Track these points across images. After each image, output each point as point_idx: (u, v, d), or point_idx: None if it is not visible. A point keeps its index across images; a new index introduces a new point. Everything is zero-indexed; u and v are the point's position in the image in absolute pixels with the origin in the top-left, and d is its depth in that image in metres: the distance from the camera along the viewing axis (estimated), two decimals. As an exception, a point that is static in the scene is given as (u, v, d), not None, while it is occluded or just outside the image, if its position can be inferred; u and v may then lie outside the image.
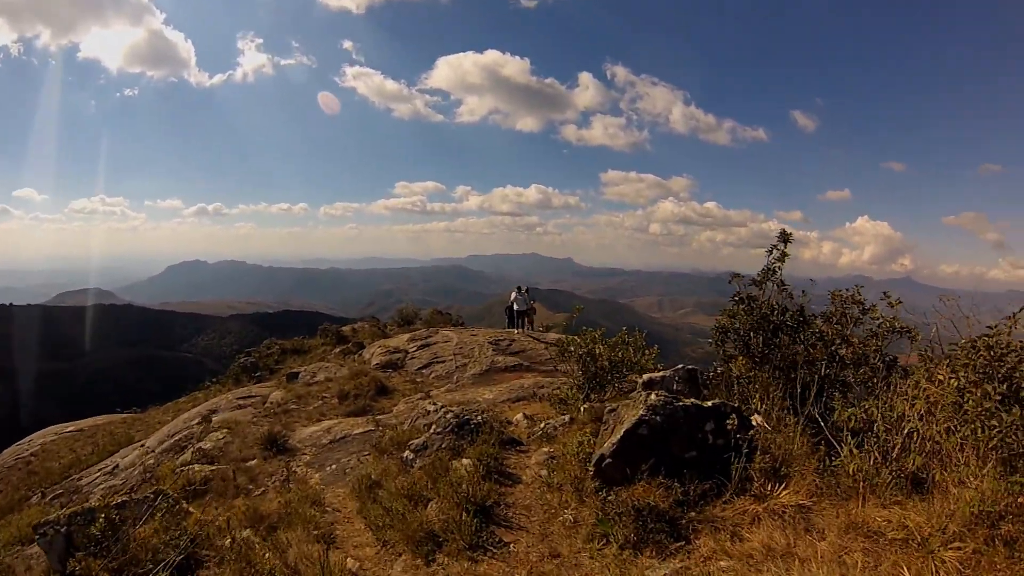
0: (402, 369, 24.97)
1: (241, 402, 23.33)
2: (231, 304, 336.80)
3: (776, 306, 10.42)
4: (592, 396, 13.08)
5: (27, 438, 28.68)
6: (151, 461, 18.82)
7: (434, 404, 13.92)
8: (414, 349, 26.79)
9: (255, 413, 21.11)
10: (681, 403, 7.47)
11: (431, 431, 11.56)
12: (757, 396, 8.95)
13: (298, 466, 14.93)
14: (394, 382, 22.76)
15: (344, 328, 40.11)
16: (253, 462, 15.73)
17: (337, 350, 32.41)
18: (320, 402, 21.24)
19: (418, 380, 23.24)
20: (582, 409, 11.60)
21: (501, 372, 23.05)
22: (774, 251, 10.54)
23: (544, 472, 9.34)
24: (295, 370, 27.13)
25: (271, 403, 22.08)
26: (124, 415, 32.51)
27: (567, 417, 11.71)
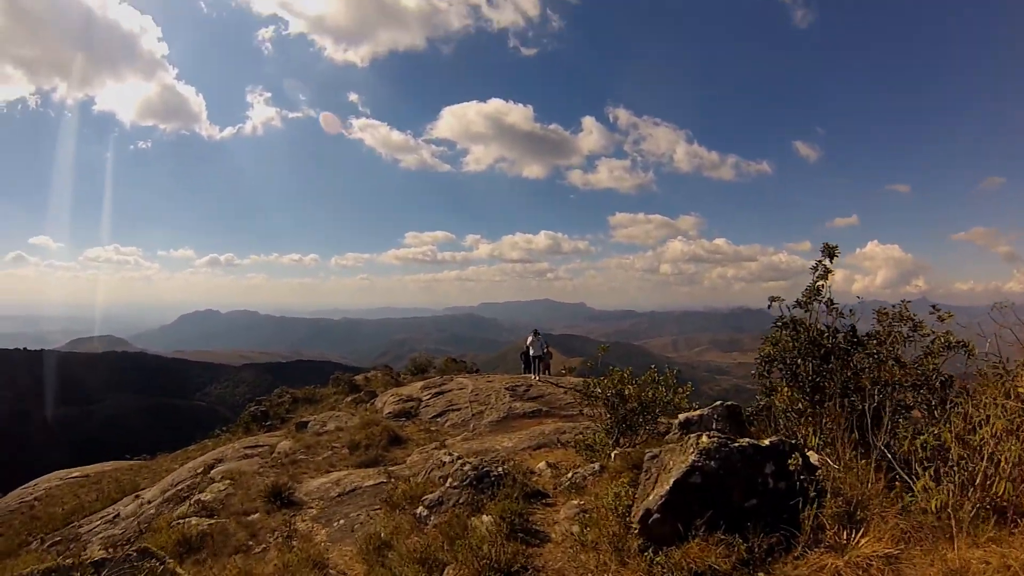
0: (416, 418, 24.03)
1: (248, 451, 22.57)
2: (244, 354, 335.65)
3: (826, 328, 9.40)
4: (622, 440, 12.05)
5: (32, 482, 28.30)
6: (151, 511, 18.04)
7: (450, 455, 12.84)
8: (428, 397, 25.84)
9: (262, 463, 20.29)
10: (736, 444, 6.42)
11: (447, 484, 10.44)
12: (809, 430, 7.97)
13: (303, 521, 13.93)
14: (407, 431, 21.76)
15: (357, 377, 39.48)
16: (255, 516, 14.71)
17: (349, 399, 31.76)
18: (330, 452, 20.31)
19: (432, 429, 22.28)
20: (613, 455, 10.44)
21: (520, 419, 22.07)
22: (818, 267, 9.55)
23: (576, 528, 8.14)
24: (305, 419, 26.34)
25: (279, 453, 21.24)
26: (131, 462, 32.21)
27: (596, 465, 10.54)
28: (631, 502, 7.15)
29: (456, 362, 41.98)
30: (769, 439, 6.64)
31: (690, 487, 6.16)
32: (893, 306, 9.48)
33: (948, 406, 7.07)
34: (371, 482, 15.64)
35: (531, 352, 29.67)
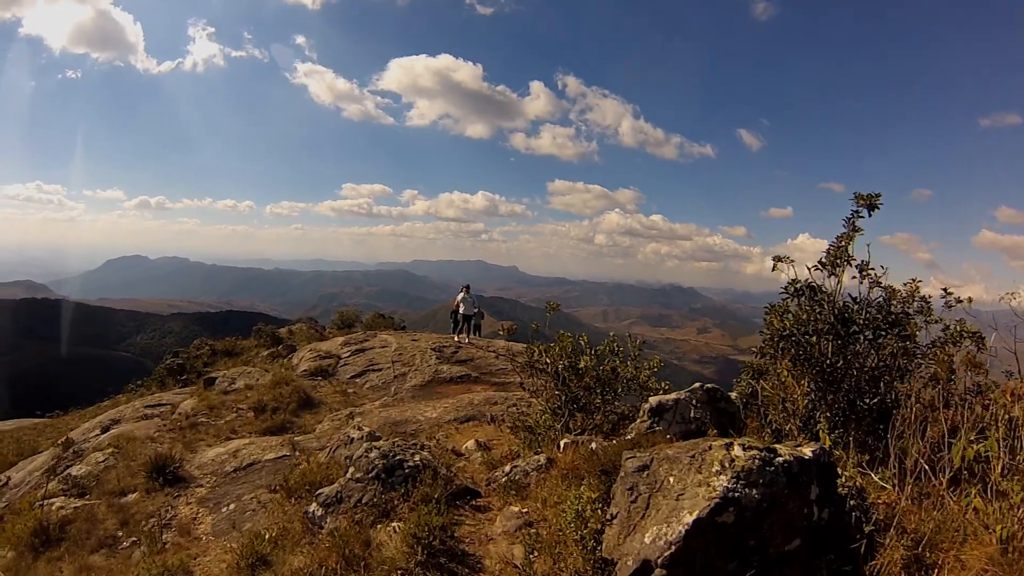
0: (333, 377, 21.70)
1: (149, 411, 20.50)
2: (172, 303, 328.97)
3: (856, 300, 7.24)
4: (572, 424, 9.68)
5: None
6: (32, 482, 15.74)
7: (360, 430, 10.50)
8: (348, 355, 23.51)
9: (159, 426, 18.02)
10: (781, 460, 4.24)
11: (349, 475, 7.95)
12: (822, 427, 6.00)
13: (188, 504, 11.78)
14: (322, 393, 19.45)
15: (280, 330, 37.86)
16: (133, 496, 12.42)
17: (265, 353, 29.59)
18: (235, 415, 18.04)
19: (350, 391, 19.98)
20: (562, 444, 8.17)
21: (446, 383, 20.01)
22: (851, 222, 7.36)
23: (518, 552, 5.88)
24: (212, 375, 23.78)
25: (180, 414, 18.95)
26: (36, 420, 30.77)
27: (542, 457, 8.17)
28: (600, 526, 4.96)
29: (384, 318, 40.52)
30: (809, 447, 4.51)
31: (717, 529, 3.96)
32: (904, 284, 7.48)
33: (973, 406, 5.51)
34: (272, 455, 13.56)
35: (461, 310, 27.05)
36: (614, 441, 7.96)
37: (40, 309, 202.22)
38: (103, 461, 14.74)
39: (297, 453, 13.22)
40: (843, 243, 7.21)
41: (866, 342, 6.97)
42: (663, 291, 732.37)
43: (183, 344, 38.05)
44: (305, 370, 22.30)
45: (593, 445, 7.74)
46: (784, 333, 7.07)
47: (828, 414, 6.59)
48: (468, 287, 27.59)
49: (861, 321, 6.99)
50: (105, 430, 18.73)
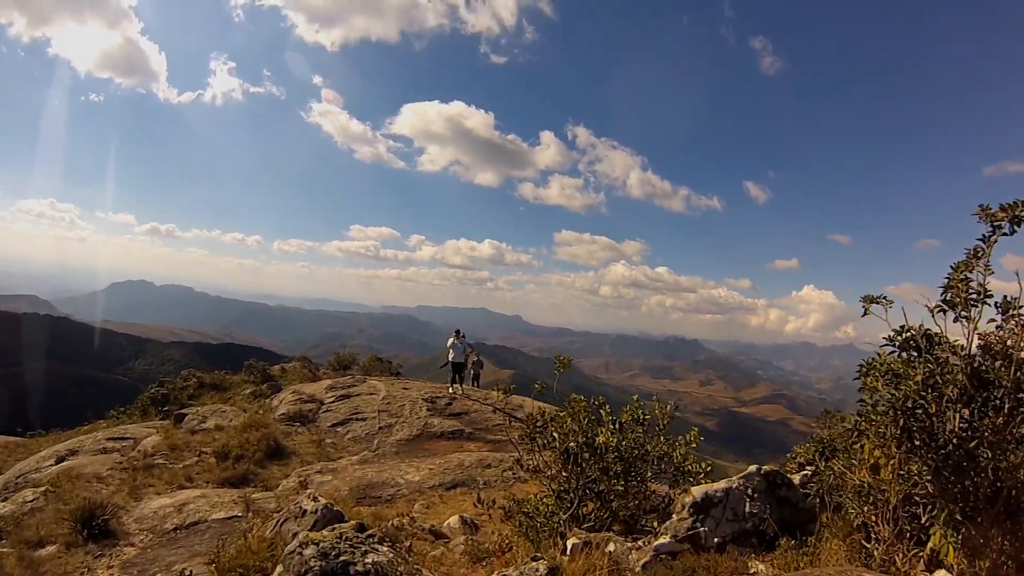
0: (312, 424, 19.87)
1: (109, 444, 18.82)
2: (174, 330, 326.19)
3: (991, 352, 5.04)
4: (583, 513, 7.31)
5: None
6: None
7: (315, 501, 8.33)
8: (332, 400, 21.67)
9: (115, 463, 16.30)
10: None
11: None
12: (941, 535, 4.27)
13: (110, 567, 9.94)
14: (296, 442, 17.56)
15: (273, 368, 35.87)
16: (51, 549, 10.55)
17: (248, 391, 27.87)
18: (196, 459, 16.24)
19: (328, 441, 18.10)
20: (569, 546, 5.97)
21: (436, 439, 18.11)
22: (983, 248, 5.16)
23: None
24: (183, 411, 21.86)
25: (139, 451, 17.21)
26: (9, 439, 28.43)
27: (541, 567, 5.58)
28: None
29: (381, 362, 39.45)
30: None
31: None
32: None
33: None
34: (222, 514, 11.68)
35: (450, 357, 24.61)
36: (639, 543, 5.94)
37: (42, 325, 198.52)
38: (31, 501, 13.06)
39: (250, 514, 11.20)
40: (969, 269, 5.09)
41: (1008, 410, 4.83)
42: (666, 343, 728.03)
43: (180, 372, 36.90)
44: (283, 414, 20.44)
45: (612, 548, 5.72)
46: (900, 402, 4.89)
47: (949, 508, 4.60)
48: (459, 332, 25.19)
49: (1008, 383, 4.80)
50: (59, 460, 17.40)
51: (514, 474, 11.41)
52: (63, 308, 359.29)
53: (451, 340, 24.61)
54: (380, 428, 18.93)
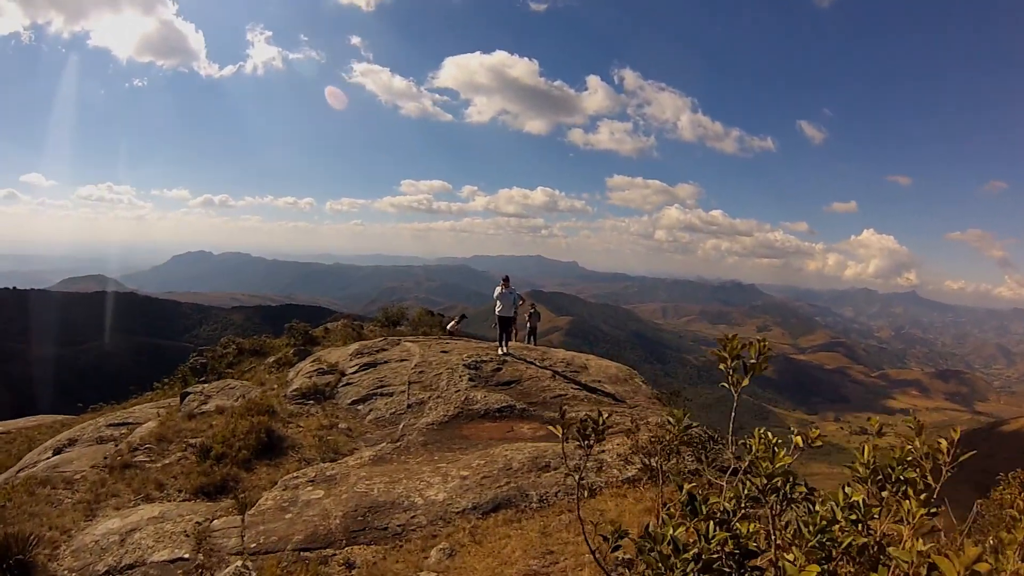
0: (329, 401, 16.73)
1: (107, 432, 16.65)
2: (234, 296, 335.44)
3: None
4: None
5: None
6: None
7: (240, 558, 4.94)
8: (354, 370, 18.33)
9: (102, 458, 14.01)
10: None
11: None
12: None
13: None
14: (299, 429, 14.41)
15: (316, 329, 33.42)
16: None
17: (271, 360, 25.50)
18: (178, 456, 13.36)
19: (342, 426, 14.80)
20: None
21: (477, 420, 14.51)
22: None
23: None
24: (189, 388, 19.40)
25: (129, 443, 14.60)
26: (58, 417, 28.34)
27: None
28: None
29: (432, 315, 36.38)
30: None
31: None
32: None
33: None
34: (165, 553, 8.87)
35: (497, 309, 21.03)
36: None
37: (112, 302, 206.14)
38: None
39: (200, 557, 7.97)
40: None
41: None
42: (723, 288, 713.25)
43: (243, 336, 35.29)
44: (296, 389, 17.27)
45: None
46: None
47: None
48: (507, 280, 21.48)
49: None
50: (57, 452, 15.70)
51: (582, 480, 7.84)
52: (129, 284, 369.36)
53: (498, 290, 21.09)
54: (409, 406, 15.53)
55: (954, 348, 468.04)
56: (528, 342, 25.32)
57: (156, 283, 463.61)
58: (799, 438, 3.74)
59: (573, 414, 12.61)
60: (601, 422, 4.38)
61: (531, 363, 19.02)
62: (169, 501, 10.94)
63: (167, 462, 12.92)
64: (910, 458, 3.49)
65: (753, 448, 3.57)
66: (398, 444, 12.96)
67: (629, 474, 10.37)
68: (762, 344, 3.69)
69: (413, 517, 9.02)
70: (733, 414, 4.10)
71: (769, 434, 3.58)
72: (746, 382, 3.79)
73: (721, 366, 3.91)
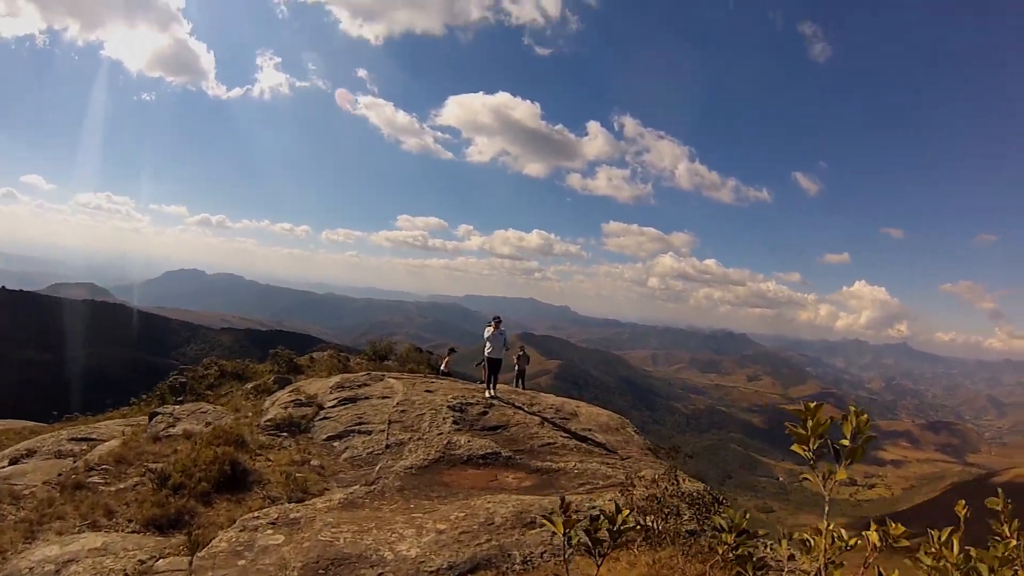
0: (304, 435, 15.80)
1: (67, 447, 16.46)
2: (225, 317, 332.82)
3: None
4: None
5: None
6: None
7: None
8: (333, 403, 17.38)
9: (57, 474, 13.49)
10: None
11: None
12: None
13: None
14: (269, 463, 13.42)
15: (301, 358, 32.81)
16: None
17: (249, 386, 24.74)
18: (135, 481, 12.42)
19: (313, 463, 13.81)
20: None
21: (460, 466, 13.57)
22: None
23: None
24: (158, 409, 18.38)
25: (87, 460, 13.91)
26: (28, 424, 28.86)
27: None
28: None
29: (420, 352, 36.66)
30: None
31: None
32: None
33: None
34: None
35: (486, 350, 20.18)
36: None
37: (101, 312, 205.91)
38: None
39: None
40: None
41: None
42: (714, 336, 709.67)
43: (230, 357, 34.93)
44: (271, 419, 16.36)
45: None
46: None
47: None
48: (498, 320, 20.74)
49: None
50: (13, 462, 15.50)
51: (570, 542, 6.84)
52: (120, 296, 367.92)
53: (488, 330, 20.26)
54: (387, 447, 14.48)
55: (945, 399, 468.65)
56: (516, 385, 24.50)
57: (147, 297, 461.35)
58: (875, 534, 2.90)
59: (562, 464, 11.60)
60: (619, 523, 3.34)
61: (519, 408, 18.15)
62: (116, 531, 10.01)
63: (122, 487, 12.01)
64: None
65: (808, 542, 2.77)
66: (372, 487, 11.92)
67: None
68: (861, 420, 2.78)
69: (380, 574, 8.02)
70: (826, 516, 2.98)
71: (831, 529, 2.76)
72: (842, 474, 2.84)
73: (799, 448, 2.98)
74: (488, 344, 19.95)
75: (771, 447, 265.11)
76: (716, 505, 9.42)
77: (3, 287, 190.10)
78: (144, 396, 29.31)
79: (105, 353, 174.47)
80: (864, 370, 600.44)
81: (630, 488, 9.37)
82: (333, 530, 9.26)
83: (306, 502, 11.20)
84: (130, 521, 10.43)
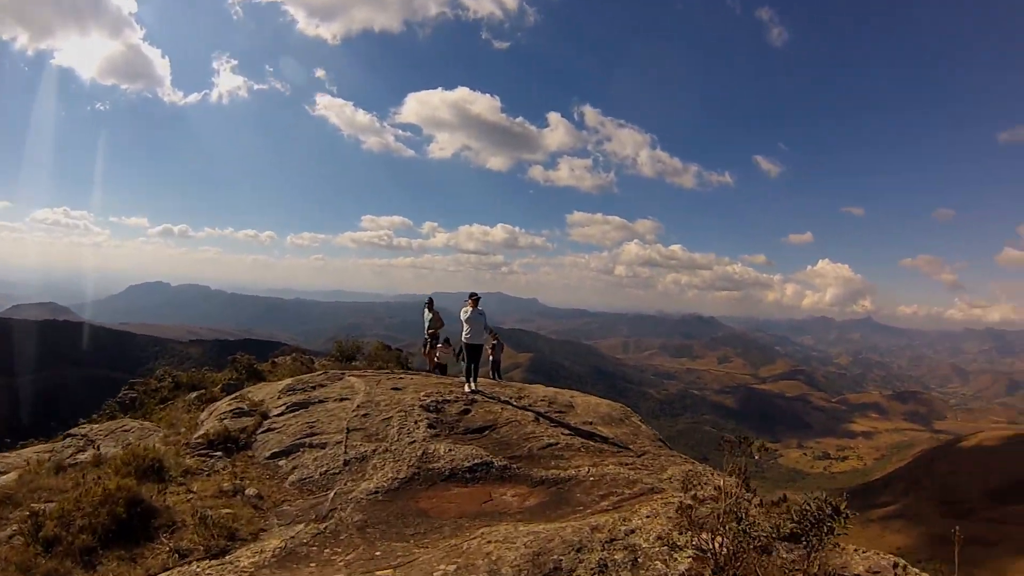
0: (243, 451, 12.40)
1: None
2: (192, 329, 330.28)
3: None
4: None
5: None
6: None
7: None
8: (281, 410, 13.98)
9: None
10: None
11: None
12: None
13: None
14: (189, 497, 9.89)
15: (263, 364, 29.40)
16: None
17: (193, 395, 21.61)
18: (12, 530, 8.81)
19: (249, 491, 10.24)
20: None
21: (440, 486, 10.26)
22: None
23: None
24: (72, 430, 15.49)
25: None
26: None
27: None
28: None
29: (389, 349, 32.86)
30: None
31: None
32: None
33: None
34: None
35: (464, 334, 16.67)
36: None
37: (62, 331, 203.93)
38: None
39: None
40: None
41: None
42: (683, 321, 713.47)
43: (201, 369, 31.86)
44: (203, 435, 12.91)
45: None
46: None
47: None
48: (476, 297, 16.95)
49: None
50: None
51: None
52: (82, 313, 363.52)
53: (466, 310, 16.69)
54: (346, 463, 11.13)
55: (910, 370, 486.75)
56: (492, 377, 22.28)
57: (111, 313, 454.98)
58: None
59: (572, 470, 8.55)
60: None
61: (506, 403, 15.10)
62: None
63: (-3, 536, 8.79)
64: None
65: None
66: (324, 525, 8.57)
67: (681, 568, 6.13)
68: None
69: None
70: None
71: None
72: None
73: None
74: (466, 327, 16.63)
75: (745, 427, 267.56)
76: (836, 519, 6.02)
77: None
78: (94, 415, 25.71)
79: (68, 373, 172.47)
80: (831, 346, 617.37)
81: (692, 506, 6.30)
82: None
83: (229, 555, 7.85)
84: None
